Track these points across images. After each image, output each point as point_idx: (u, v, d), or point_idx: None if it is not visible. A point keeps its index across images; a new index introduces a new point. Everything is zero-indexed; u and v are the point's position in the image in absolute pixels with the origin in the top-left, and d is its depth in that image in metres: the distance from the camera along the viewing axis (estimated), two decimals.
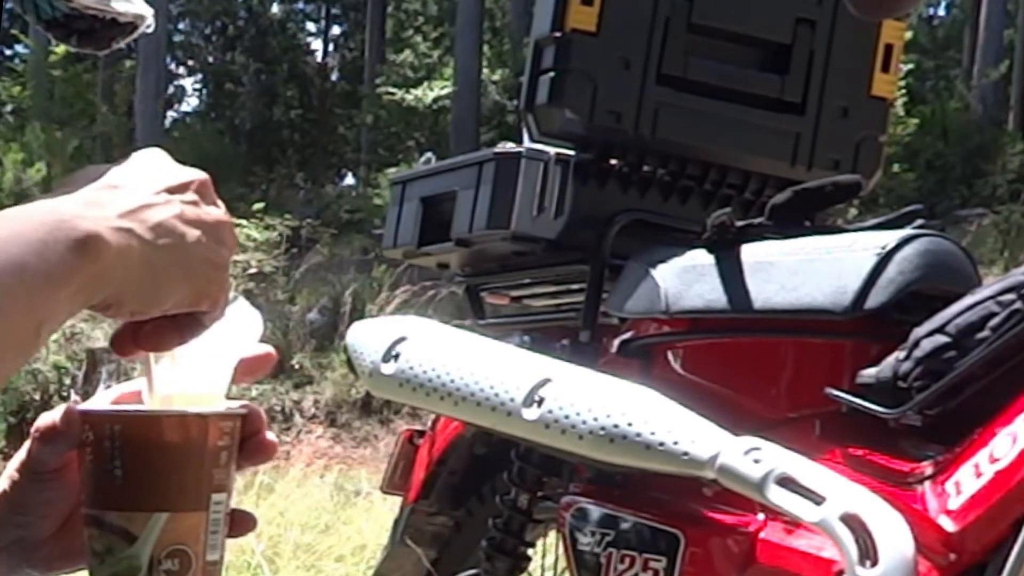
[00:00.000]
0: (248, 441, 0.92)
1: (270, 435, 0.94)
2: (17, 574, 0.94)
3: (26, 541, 0.93)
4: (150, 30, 1.04)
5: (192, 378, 0.91)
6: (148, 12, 1.03)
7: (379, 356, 2.01)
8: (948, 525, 1.68)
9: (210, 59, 26.39)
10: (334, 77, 26.44)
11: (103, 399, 0.95)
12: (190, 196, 0.87)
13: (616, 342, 2.19)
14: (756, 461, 1.63)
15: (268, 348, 0.96)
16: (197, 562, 0.88)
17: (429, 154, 2.74)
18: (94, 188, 0.84)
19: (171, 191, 0.86)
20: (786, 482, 1.62)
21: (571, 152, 2.34)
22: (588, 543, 2.05)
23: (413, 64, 22.63)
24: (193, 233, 0.85)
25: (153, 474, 0.87)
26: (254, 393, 9.68)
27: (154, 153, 0.90)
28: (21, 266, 0.76)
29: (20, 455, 0.93)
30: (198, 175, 0.89)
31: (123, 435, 0.87)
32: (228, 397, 0.94)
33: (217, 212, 0.88)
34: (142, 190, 0.85)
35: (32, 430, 0.92)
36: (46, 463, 0.92)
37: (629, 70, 2.34)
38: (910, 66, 15.11)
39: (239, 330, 0.94)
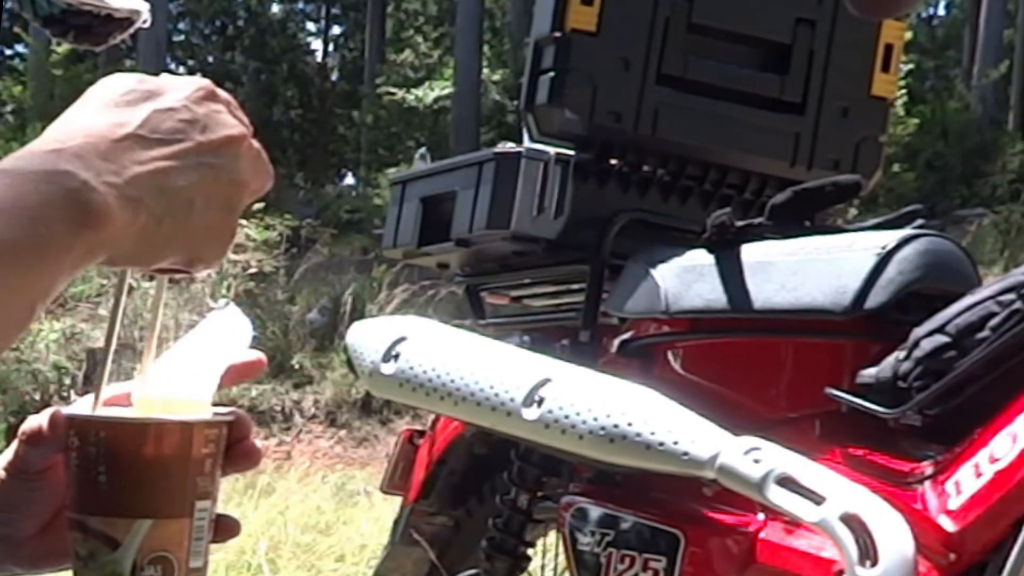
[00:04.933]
0: (234, 447, 0.91)
1: (257, 441, 0.93)
2: (2, 571, 0.94)
3: (11, 539, 0.93)
4: (146, 25, 1.03)
5: (179, 384, 0.91)
6: (144, 7, 1.03)
7: (379, 356, 2.01)
8: (948, 525, 1.68)
9: (210, 59, 26.40)
10: (334, 77, 26.44)
11: (91, 402, 0.95)
12: (214, 153, 0.82)
13: (616, 342, 2.19)
14: (756, 461, 1.63)
15: (258, 354, 0.95)
16: (180, 569, 0.88)
17: (423, 150, 2.74)
18: (112, 135, 0.79)
19: (198, 147, 0.81)
20: (786, 482, 1.62)
21: (571, 152, 2.34)
22: (588, 543, 2.05)
23: (413, 64, 22.63)
24: (204, 202, 0.81)
25: (137, 480, 0.86)
26: (254, 393, 9.68)
27: (181, 83, 0.84)
28: (16, 245, 0.72)
29: (7, 455, 0.93)
30: (230, 129, 0.83)
31: (108, 441, 0.87)
32: (226, 397, 0.94)
33: (236, 172, 0.83)
34: (164, 140, 0.80)
35: (19, 432, 0.91)
36: (32, 464, 0.92)
37: (629, 70, 2.34)
38: (910, 66, 15.11)
39: (228, 337, 0.94)
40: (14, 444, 0.92)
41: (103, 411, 0.91)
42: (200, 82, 0.84)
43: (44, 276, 0.74)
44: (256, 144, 0.85)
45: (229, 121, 0.84)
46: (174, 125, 0.81)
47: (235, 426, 0.91)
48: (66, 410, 0.90)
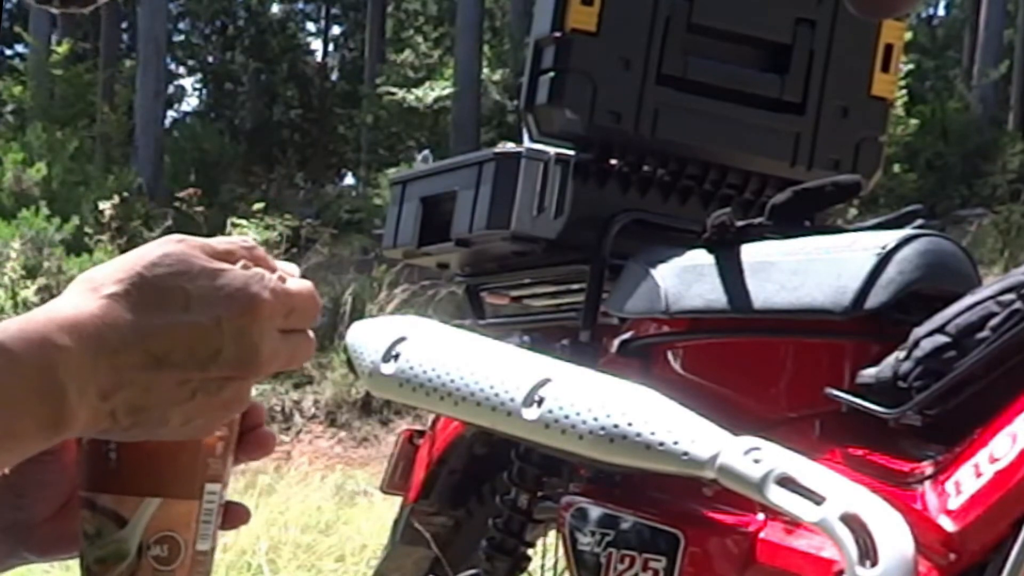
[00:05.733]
0: (247, 435, 0.91)
1: (269, 430, 0.93)
2: (14, 557, 0.94)
3: (24, 523, 0.93)
4: None
5: None
6: None
7: (379, 356, 2.01)
8: (948, 525, 1.68)
9: (210, 59, 26.40)
10: (334, 77, 26.44)
11: None
12: (218, 384, 0.81)
13: (616, 342, 2.19)
14: (756, 461, 1.63)
15: None
16: (187, 550, 0.88)
17: (426, 151, 2.74)
18: (122, 346, 0.78)
19: (203, 378, 0.80)
20: (786, 482, 1.62)
21: (571, 152, 2.34)
22: (588, 543, 2.05)
23: (413, 64, 22.62)
24: (182, 420, 0.81)
25: (147, 459, 0.86)
26: (254, 392, 9.65)
27: (235, 292, 0.80)
28: None
29: None
30: (249, 362, 0.81)
31: None
32: None
33: (232, 400, 0.82)
34: (172, 364, 0.79)
35: None
36: None
37: (629, 70, 2.34)
38: (910, 66, 15.10)
39: None
40: None
41: None
42: (254, 293, 0.81)
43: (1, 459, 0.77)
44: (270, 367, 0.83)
45: (259, 351, 0.81)
46: (190, 350, 0.80)
47: (248, 413, 0.90)
48: None
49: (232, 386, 0.82)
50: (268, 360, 0.82)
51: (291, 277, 0.85)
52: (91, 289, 0.80)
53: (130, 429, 0.81)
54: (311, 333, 0.86)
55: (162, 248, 0.81)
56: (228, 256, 0.83)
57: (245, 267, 0.83)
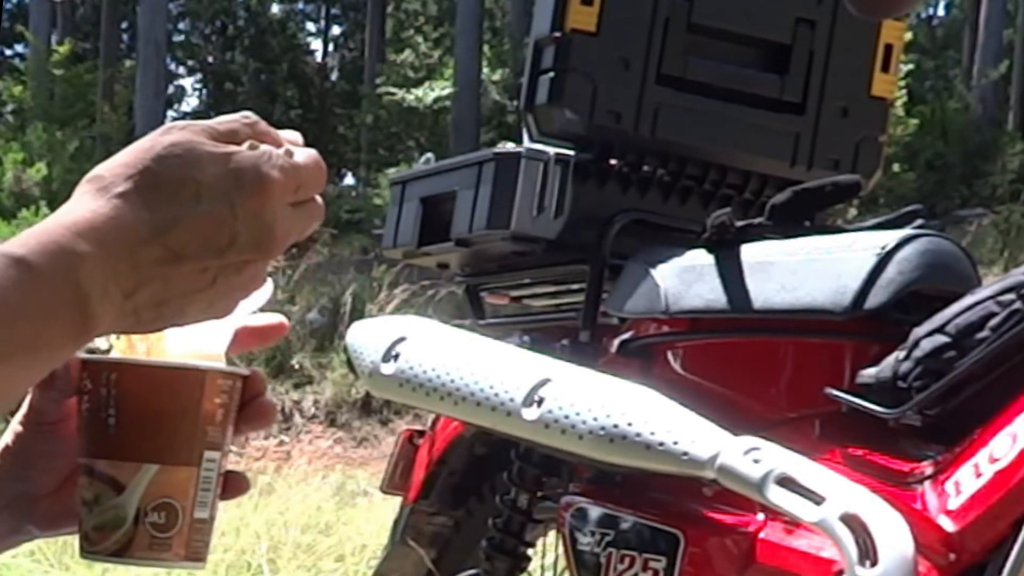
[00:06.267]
0: (249, 405, 0.90)
1: (269, 399, 0.92)
2: (20, 533, 0.93)
3: (28, 496, 0.92)
4: None
5: (192, 336, 0.90)
6: None
7: (379, 356, 2.01)
8: (948, 525, 1.68)
9: (210, 59, 26.41)
10: (334, 77, 26.45)
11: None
12: (236, 268, 0.81)
13: (616, 342, 2.19)
14: (756, 461, 1.63)
15: (279, 317, 0.94)
16: (184, 518, 0.87)
17: (429, 154, 2.74)
18: (139, 241, 0.78)
19: (220, 264, 0.80)
20: (786, 482, 1.62)
21: (571, 152, 2.34)
22: (588, 543, 2.05)
23: (413, 64, 22.63)
24: (203, 307, 0.82)
25: (145, 424, 0.86)
26: None
27: (246, 174, 0.80)
28: (11, 345, 0.74)
29: (23, 408, 0.92)
30: (264, 246, 0.81)
31: (119, 383, 0.86)
32: None
33: (248, 283, 0.82)
34: (188, 257, 0.79)
35: None
36: (47, 412, 0.91)
37: (629, 70, 2.34)
38: (910, 66, 15.11)
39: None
40: (29, 395, 0.91)
41: (115, 354, 0.91)
42: (264, 174, 0.81)
43: (32, 372, 0.78)
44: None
45: (273, 231, 0.81)
46: (207, 240, 0.79)
47: (250, 382, 0.90)
48: (80, 353, 0.89)
49: (250, 268, 0.82)
50: (283, 238, 0.82)
51: (297, 147, 0.85)
52: (101, 189, 0.79)
53: (153, 322, 0.81)
54: (319, 198, 0.85)
55: (167, 137, 0.81)
56: (232, 136, 0.83)
57: (252, 147, 0.82)
